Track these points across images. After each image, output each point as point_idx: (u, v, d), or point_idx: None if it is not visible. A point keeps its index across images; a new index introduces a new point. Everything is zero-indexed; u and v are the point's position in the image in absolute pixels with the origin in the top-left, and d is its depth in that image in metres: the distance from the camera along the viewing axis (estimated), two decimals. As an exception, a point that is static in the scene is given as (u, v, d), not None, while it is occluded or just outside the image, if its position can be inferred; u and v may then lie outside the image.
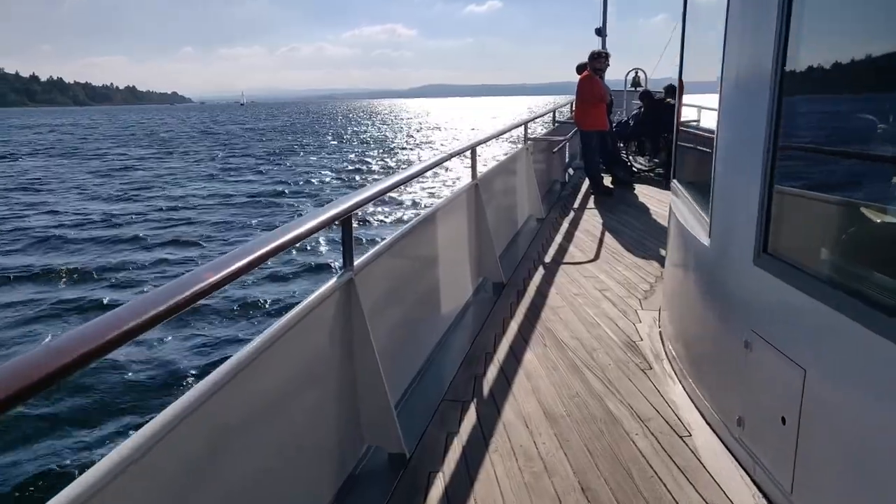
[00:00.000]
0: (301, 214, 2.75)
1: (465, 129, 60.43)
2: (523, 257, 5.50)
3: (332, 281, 2.33)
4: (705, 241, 2.81)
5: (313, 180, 24.46)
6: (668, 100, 10.10)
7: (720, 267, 2.65)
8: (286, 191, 21.59)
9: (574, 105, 9.35)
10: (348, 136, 52.08)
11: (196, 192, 21.67)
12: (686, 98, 3.92)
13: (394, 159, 31.84)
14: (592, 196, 8.35)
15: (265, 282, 10.50)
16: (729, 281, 2.55)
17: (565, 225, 6.79)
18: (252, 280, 10.29)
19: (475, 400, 3.03)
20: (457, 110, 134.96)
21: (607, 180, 8.99)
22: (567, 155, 10.37)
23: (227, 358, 1.63)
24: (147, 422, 1.34)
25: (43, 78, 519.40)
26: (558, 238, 6.22)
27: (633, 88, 14.61)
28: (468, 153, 4.62)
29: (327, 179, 24.90)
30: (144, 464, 1.26)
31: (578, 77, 8.68)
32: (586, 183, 9.21)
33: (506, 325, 3.97)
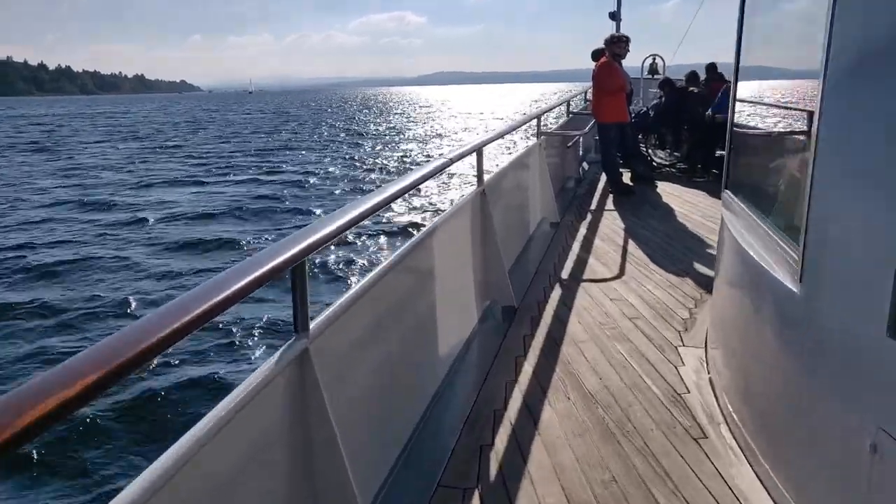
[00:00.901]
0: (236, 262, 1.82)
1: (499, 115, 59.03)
2: (537, 272, 4.78)
3: (278, 354, 1.64)
4: (791, 284, 2.07)
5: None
6: (692, 88, 9.32)
7: (821, 328, 1.92)
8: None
9: (591, 94, 8.58)
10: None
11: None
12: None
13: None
14: (611, 195, 7.60)
15: (189, 357, 7.35)
16: (839, 351, 1.82)
17: (583, 230, 6.06)
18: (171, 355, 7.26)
19: (480, 486, 2.33)
20: (472, 97, 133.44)
21: (626, 176, 8.23)
22: (581, 148, 9.62)
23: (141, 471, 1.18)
24: None
25: (51, 66, 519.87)
26: (575, 247, 5.49)
27: (650, 76, 13.80)
28: (473, 156, 3.89)
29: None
30: None
31: (594, 64, 7.91)
32: (603, 178, 8.46)
33: (519, 367, 3.26)
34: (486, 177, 4.16)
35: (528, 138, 19.77)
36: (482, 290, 3.97)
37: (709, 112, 8.69)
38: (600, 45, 7.91)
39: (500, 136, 4.47)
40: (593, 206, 7.10)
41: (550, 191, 6.33)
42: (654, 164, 9.29)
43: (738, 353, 2.71)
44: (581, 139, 9.33)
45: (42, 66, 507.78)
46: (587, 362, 3.28)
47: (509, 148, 20.44)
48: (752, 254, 2.51)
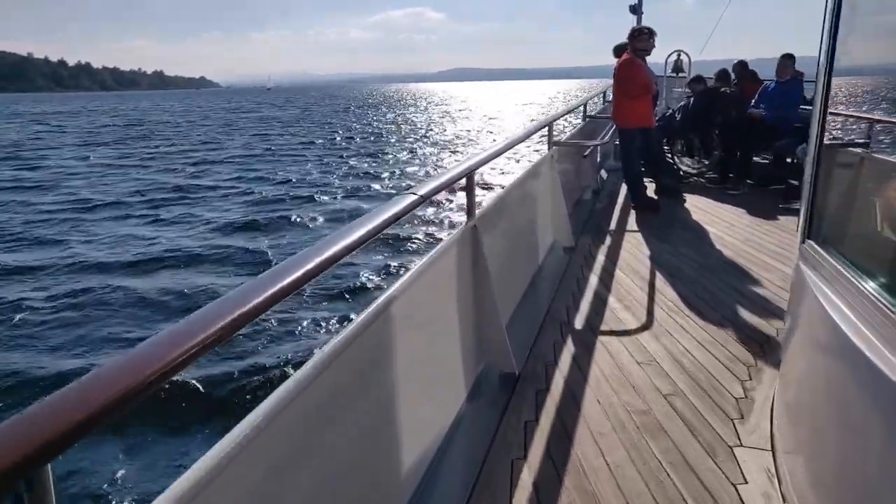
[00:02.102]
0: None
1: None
2: (545, 319, 3.88)
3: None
4: None
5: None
6: (724, 88, 8.35)
7: None
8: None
9: (611, 95, 7.63)
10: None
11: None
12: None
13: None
14: (633, 211, 6.67)
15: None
16: None
17: (601, 257, 5.14)
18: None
19: None
20: (489, 95, 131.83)
21: (650, 188, 7.29)
22: (599, 154, 8.67)
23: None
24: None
25: (71, 63, 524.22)
26: (593, 281, 4.59)
27: (674, 74, 12.78)
28: (463, 181, 3.01)
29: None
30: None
31: (616, 61, 6.98)
32: (624, 189, 7.53)
33: (516, 473, 2.38)
34: (483, 204, 3.31)
35: (538, 143, 19.36)
36: (475, 354, 3.10)
37: (751, 109, 7.73)
38: (623, 39, 6.96)
39: (496, 154, 3.56)
40: (613, 226, 6.18)
41: (564, 210, 5.43)
42: (682, 173, 8.32)
43: (836, 471, 1.81)
44: (599, 147, 8.41)
45: (62, 63, 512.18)
46: (609, 471, 2.39)
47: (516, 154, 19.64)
48: (851, 331, 1.64)
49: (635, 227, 6.08)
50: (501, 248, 3.70)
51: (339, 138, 35.36)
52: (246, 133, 41.58)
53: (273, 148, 31.02)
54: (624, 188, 7.41)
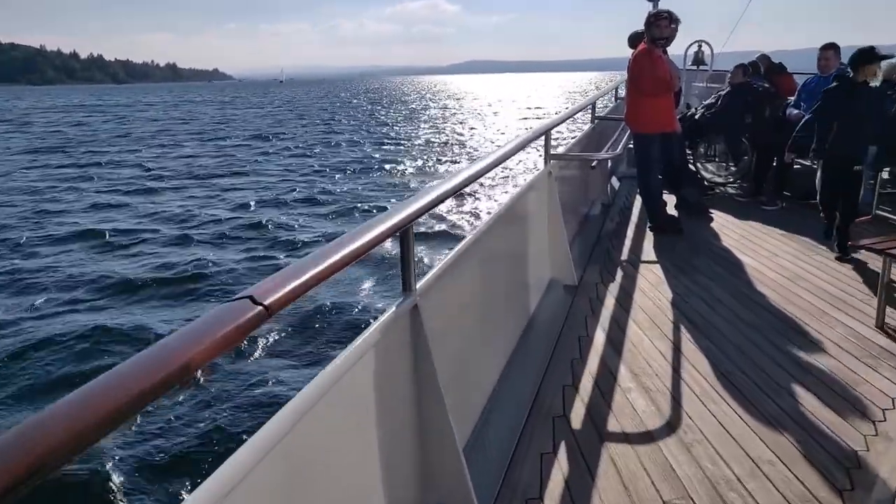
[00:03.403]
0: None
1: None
2: (529, 419, 2.81)
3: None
4: None
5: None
6: (759, 84, 7.20)
7: None
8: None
9: (625, 92, 6.50)
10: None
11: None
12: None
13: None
14: (651, 233, 5.57)
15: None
16: None
17: (610, 305, 4.06)
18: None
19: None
20: (511, 86, 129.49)
21: (669, 202, 6.18)
22: (610, 161, 7.55)
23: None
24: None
25: (83, 55, 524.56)
26: (599, 343, 3.51)
27: (694, 67, 11.58)
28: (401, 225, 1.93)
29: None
30: None
31: (631, 53, 5.86)
32: (638, 201, 6.44)
33: None
34: (418, 282, 2.25)
35: (534, 154, 17.54)
36: (416, 490, 2.06)
37: (791, 109, 6.59)
38: (641, 27, 5.82)
39: (472, 180, 2.50)
40: (625, 254, 5.06)
41: (564, 239, 4.33)
42: (706, 182, 7.18)
43: None
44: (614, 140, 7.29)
45: (74, 55, 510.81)
46: None
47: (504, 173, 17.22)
48: None
49: (653, 257, 4.96)
50: (466, 320, 2.68)
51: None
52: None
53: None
54: (639, 200, 6.30)
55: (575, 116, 6.34)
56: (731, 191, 7.18)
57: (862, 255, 4.67)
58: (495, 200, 14.45)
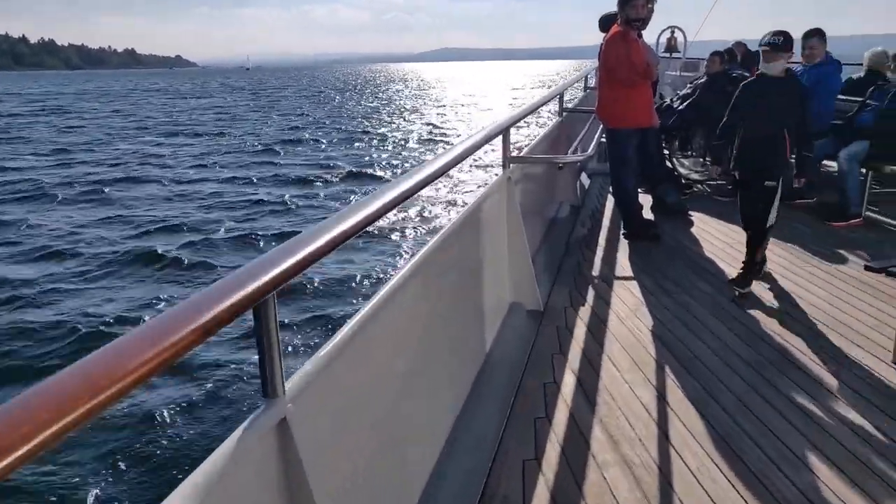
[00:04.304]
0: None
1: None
2: (486, 489, 2.17)
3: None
4: None
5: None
6: (740, 73, 6.65)
7: None
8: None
9: (596, 82, 5.87)
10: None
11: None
12: None
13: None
14: (626, 241, 4.96)
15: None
16: None
17: (581, 332, 3.44)
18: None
19: None
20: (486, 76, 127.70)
21: (647, 204, 5.59)
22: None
23: None
24: None
25: (33, 39, 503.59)
26: (568, 387, 2.89)
27: (667, 54, 11.03)
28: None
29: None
30: None
31: (603, 37, 5.24)
32: (610, 202, 5.85)
33: None
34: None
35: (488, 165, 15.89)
36: None
37: None
38: (614, 8, 5.17)
39: (409, 193, 1.85)
40: (598, 268, 4.44)
41: (526, 256, 3.68)
42: (683, 180, 6.61)
43: None
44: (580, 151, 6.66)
45: (23, 39, 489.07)
46: None
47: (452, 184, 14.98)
48: None
49: (629, 272, 4.35)
50: (428, 332, 2.21)
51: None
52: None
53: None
54: (612, 201, 5.70)
55: (541, 109, 5.68)
56: (710, 189, 6.62)
57: (864, 274, 4.11)
58: (449, 209, 12.95)
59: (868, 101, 5.50)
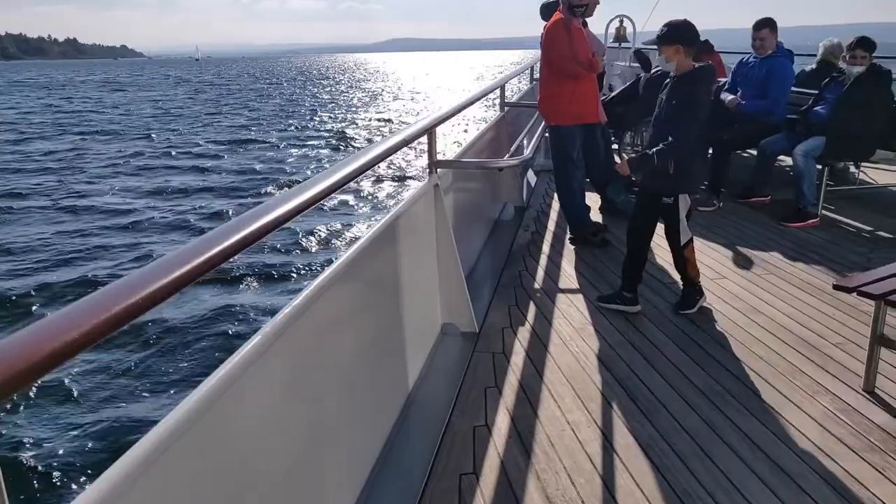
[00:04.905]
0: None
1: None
2: None
3: None
4: None
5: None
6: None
7: None
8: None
9: (539, 73, 5.47)
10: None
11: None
12: None
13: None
14: (573, 248, 4.58)
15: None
16: None
17: (519, 359, 3.04)
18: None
19: None
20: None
21: (595, 207, 5.23)
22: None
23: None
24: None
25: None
26: (501, 430, 2.48)
27: (616, 44, 10.74)
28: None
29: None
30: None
31: (544, 26, 4.83)
32: (557, 202, 5.47)
33: None
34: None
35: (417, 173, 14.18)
36: None
37: (726, 95, 5.75)
38: (555, -7, 4.75)
39: (311, 203, 1.47)
40: (541, 280, 4.03)
41: (458, 272, 3.24)
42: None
43: None
44: (525, 146, 6.26)
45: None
46: None
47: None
48: None
49: (575, 283, 3.96)
50: (336, 366, 1.85)
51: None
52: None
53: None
54: (557, 199, 5.32)
55: (482, 105, 5.21)
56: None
57: (828, 285, 3.80)
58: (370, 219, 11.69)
59: (824, 94, 5.24)
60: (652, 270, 4.14)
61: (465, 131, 19.38)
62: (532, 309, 3.57)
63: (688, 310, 3.47)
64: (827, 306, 3.51)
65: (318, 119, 30.57)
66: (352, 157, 2.13)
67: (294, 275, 9.04)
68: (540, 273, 4.12)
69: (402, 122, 26.15)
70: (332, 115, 32.06)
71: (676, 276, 3.99)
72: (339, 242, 10.55)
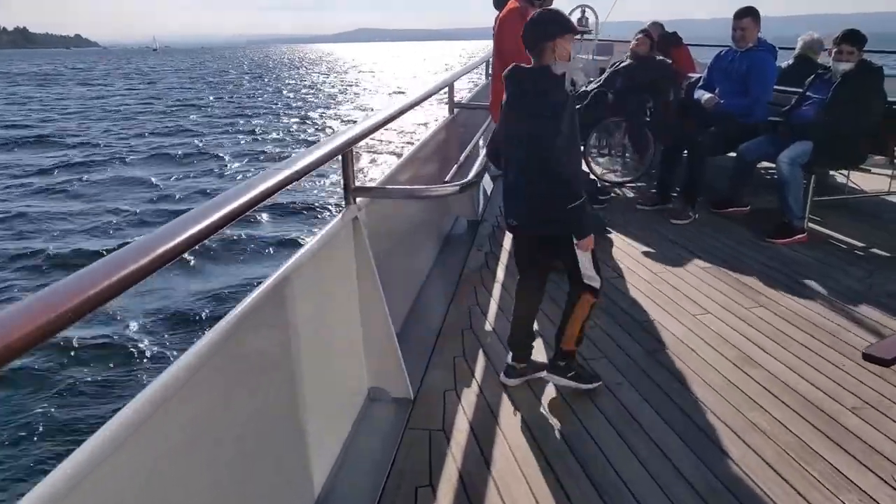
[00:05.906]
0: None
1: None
2: None
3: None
4: None
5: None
6: (659, 56, 5.78)
7: None
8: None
9: (491, 70, 4.83)
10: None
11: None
12: None
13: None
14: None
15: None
16: None
17: (461, 430, 2.40)
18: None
19: None
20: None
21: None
22: (479, 149, 5.84)
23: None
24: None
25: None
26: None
27: (578, 36, 10.16)
28: None
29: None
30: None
31: (496, 16, 4.19)
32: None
33: None
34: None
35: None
36: None
37: (702, 92, 5.20)
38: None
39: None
40: (492, 321, 3.37)
41: (387, 325, 2.57)
42: (598, 184, 5.67)
43: None
44: (481, 140, 5.63)
45: None
46: None
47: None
48: None
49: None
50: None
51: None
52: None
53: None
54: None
55: (427, 107, 4.51)
56: (630, 194, 5.72)
57: (831, 323, 3.24)
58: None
59: (808, 94, 4.70)
60: (618, 299, 3.52)
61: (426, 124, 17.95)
62: (481, 362, 2.92)
63: (589, 384, 2.65)
64: (834, 353, 2.93)
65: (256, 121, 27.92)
66: (245, 185, 1.54)
67: (165, 335, 6.97)
68: (493, 308, 3.48)
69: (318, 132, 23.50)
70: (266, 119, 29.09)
71: (651, 312, 3.39)
72: (230, 292, 8.15)
